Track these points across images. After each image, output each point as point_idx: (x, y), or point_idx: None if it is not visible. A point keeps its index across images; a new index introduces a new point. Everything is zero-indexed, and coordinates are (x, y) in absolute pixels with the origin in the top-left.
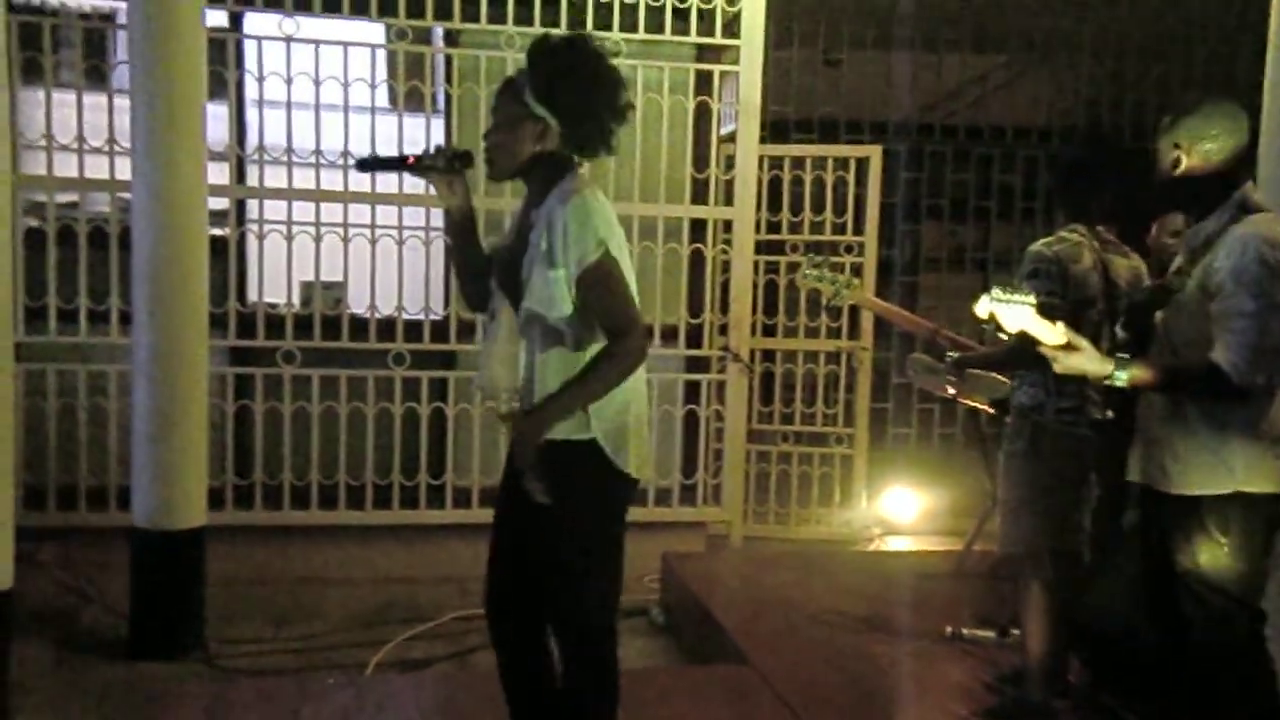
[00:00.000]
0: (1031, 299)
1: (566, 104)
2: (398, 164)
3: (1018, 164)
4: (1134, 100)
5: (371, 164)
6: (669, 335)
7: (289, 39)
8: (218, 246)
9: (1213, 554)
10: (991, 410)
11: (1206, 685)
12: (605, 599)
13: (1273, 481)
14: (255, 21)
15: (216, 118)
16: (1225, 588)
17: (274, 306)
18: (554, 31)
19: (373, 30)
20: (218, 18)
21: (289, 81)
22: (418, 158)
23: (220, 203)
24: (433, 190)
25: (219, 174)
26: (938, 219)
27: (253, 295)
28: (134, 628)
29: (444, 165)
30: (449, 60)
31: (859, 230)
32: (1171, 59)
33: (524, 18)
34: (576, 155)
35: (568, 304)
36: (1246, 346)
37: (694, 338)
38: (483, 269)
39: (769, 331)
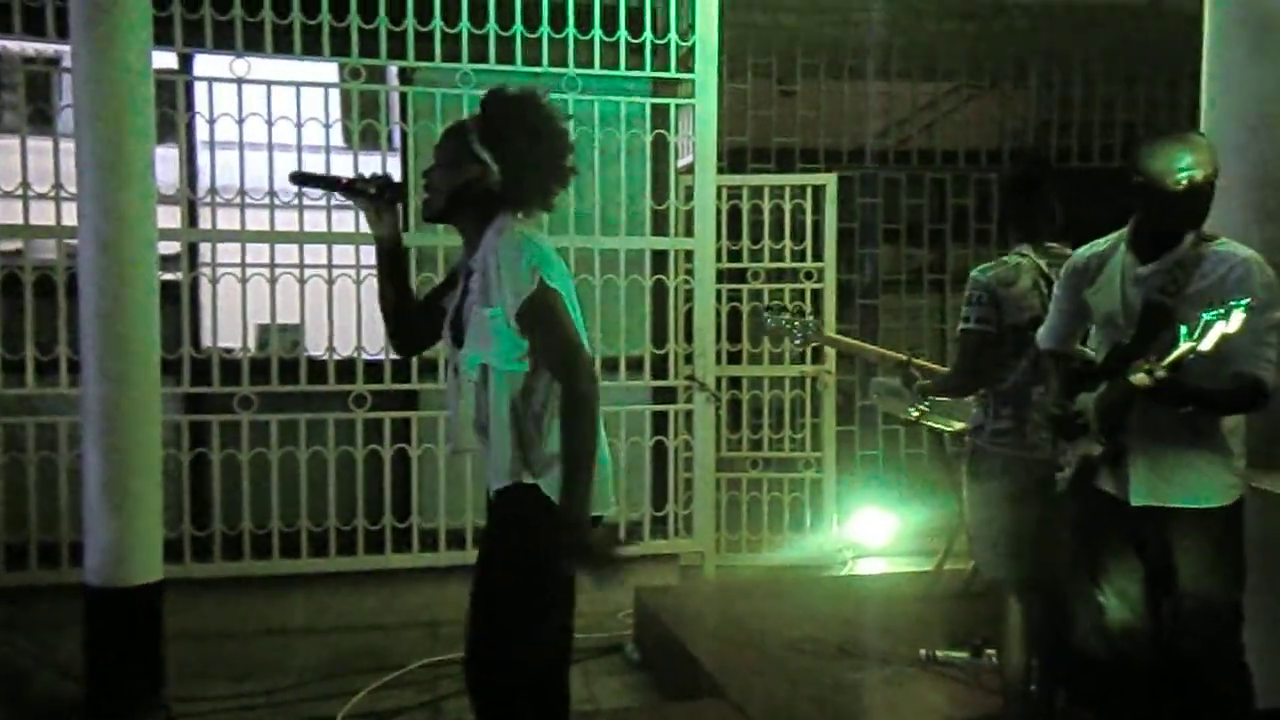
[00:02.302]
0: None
1: (510, 153)
2: (332, 183)
3: (970, 187)
4: (1081, 122)
5: (306, 179)
6: (634, 366)
7: (240, 80)
8: (170, 291)
9: (1223, 561)
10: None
11: (1196, 696)
12: (523, 659)
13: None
14: (205, 63)
15: (167, 160)
16: (1230, 595)
17: (229, 351)
18: (511, 84)
19: (326, 70)
20: (166, 59)
21: (241, 122)
22: (351, 180)
23: (172, 247)
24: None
25: (170, 217)
26: (894, 242)
27: (207, 340)
28: (90, 690)
29: (374, 192)
30: (404, 98)
31: (818, 256)
32: (1114, 83)
33: (479, 55)
34: (514, 209)
35: (506, 343)
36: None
37: (659, 368)
38: (409, 307)
39: (734, 359)
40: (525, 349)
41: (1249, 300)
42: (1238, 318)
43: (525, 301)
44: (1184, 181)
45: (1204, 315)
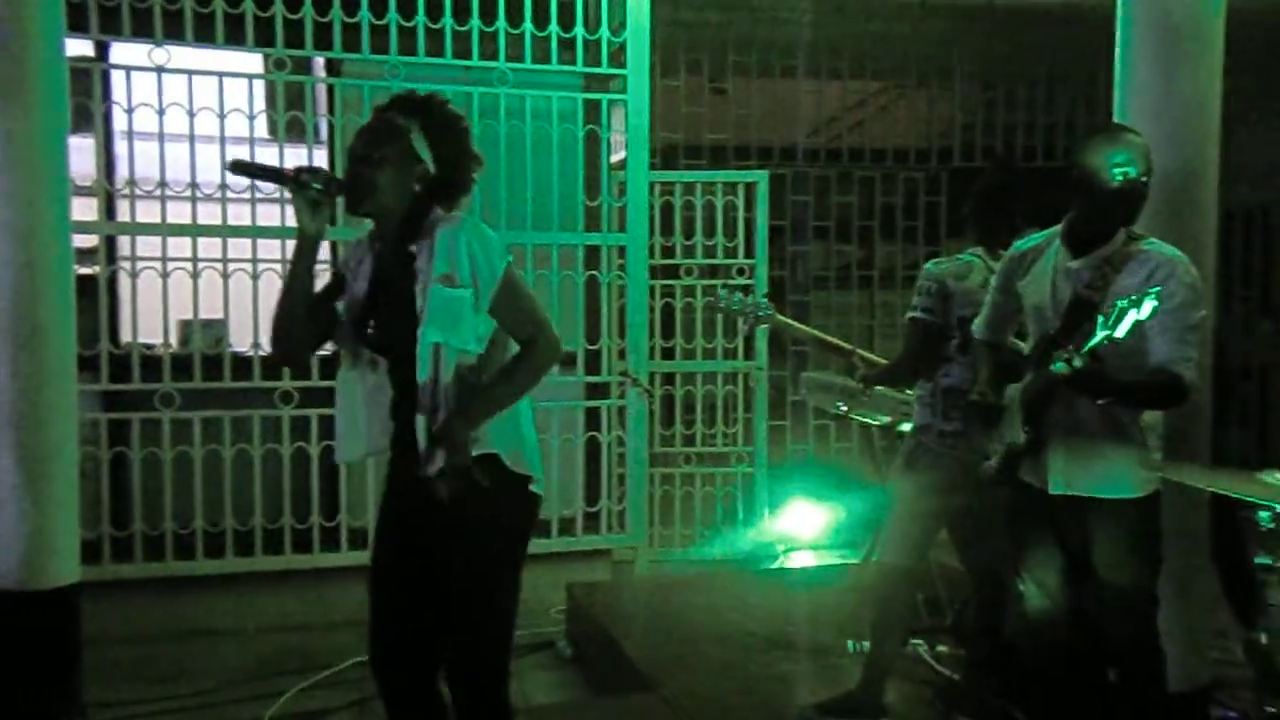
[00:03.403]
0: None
1: (447, 151)
2: (274, 174)
3: (898, 185)
4: (1005, 123)
5: (246, 168)
6: (568, 362)
7: (160, 69)
8: (87, 286)
9: (1138, 551)
10: (879, 425)
11: (1110, 680)
12: (503, 636)
13: (1159, 479)
14: (123, 51)
15: (83, 150)
16: (1146, 583)
17: (150, 347)
18: (429, 89)
19: (250, 60)
20: (81, 47)
21: (161, 113)
22: (297, 171)
23: (89, 240)
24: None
25: (86, 210)
26: (824, 239)
27: (126, 336)
28: (3, 698)
29: (322, 187)
30: (331, 90)
31: (750, 253)
32: (1036, 84)
33: (408, 47)
34: (448, 202)
35: (469, 323)
36: (1201, 360)
37: (593, 364)
38: (306, 310)
39: (667, 354)
40: (483, 331)
41: (1160, 289)
42: (1149, 305)
43: (501, 283)
44: (1119, 178)
45: (1118, 303)
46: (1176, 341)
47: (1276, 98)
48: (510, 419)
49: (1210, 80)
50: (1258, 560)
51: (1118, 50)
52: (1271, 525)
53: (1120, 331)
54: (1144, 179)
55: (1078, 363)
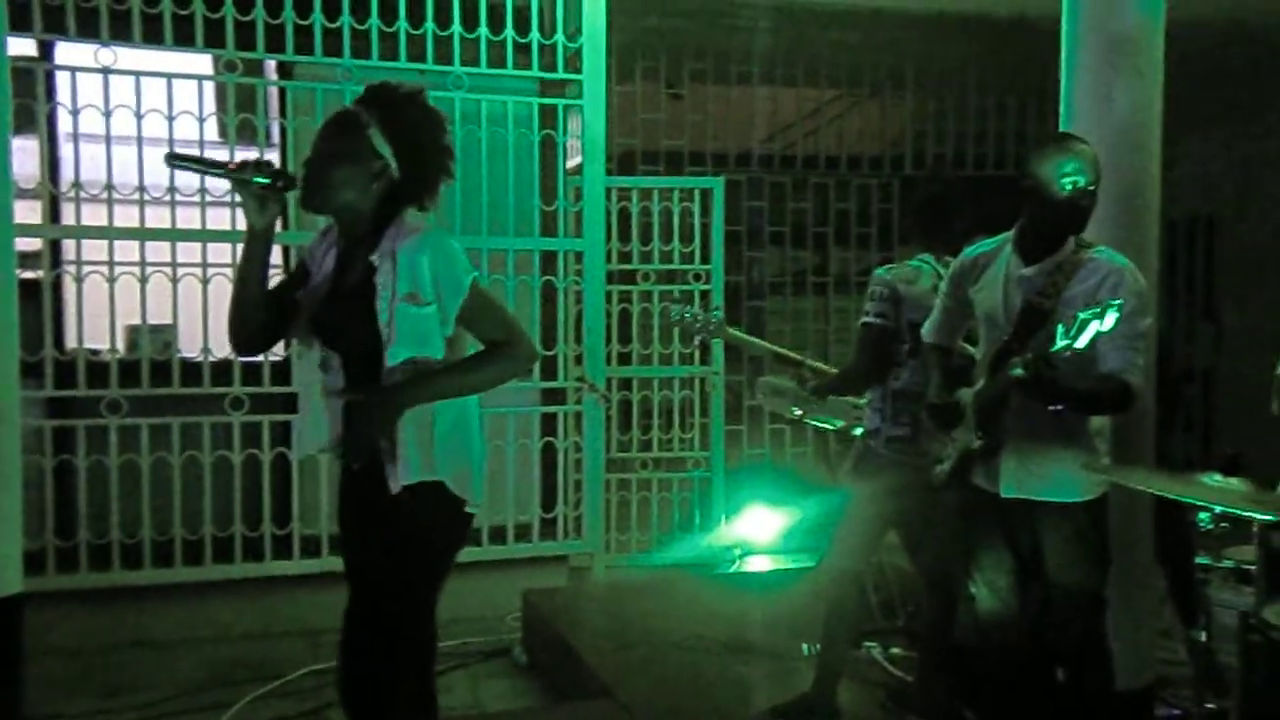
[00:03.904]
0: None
1: (410, 148)
2: (214, 167)
3: (851, 192)
4: (956, 131)
5: (184, 160)
6: None
7: (106, 70)
8: (30, 291)
9: (1085, 553)
10: (833, 430)
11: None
12: (422, 653)
13: (1107, 483)
14: (68, 51)
15: (26, 152)
16: (1094, 585)
17: (96, 353)
18: (400, 81)
19: (199, 61)
20: (24, 46)
21: (107, 115)
22: (239, 165)
23: (32, 244)
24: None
25: (30, 213)
26: (780, 245)
27: (72, 342)
28: None
29: (268, 181)
30: (283, 93)
31: (706, 258)
32: (985, 93)
33: (362, 50)
34: (413, 203)
35: (437, 339)
36: (1147, 366)
37: (549, 369)
38: (261, 304)
39: (624, 360)
40: (446, 346)
41: (1121, 301)
42: (1111, 317)
43: (469, 296)
44: (1068, 187)
45: (1080, 314)
46: (1125, 349)
47: (1220, 108)
48: (462, 439)
49: (1152, 91)
50: (1197, 560)
51: (1063, 61)
52: (1211, 526)
53: (1081, 342)
54: (1092, 188)
55: (1038, 368)
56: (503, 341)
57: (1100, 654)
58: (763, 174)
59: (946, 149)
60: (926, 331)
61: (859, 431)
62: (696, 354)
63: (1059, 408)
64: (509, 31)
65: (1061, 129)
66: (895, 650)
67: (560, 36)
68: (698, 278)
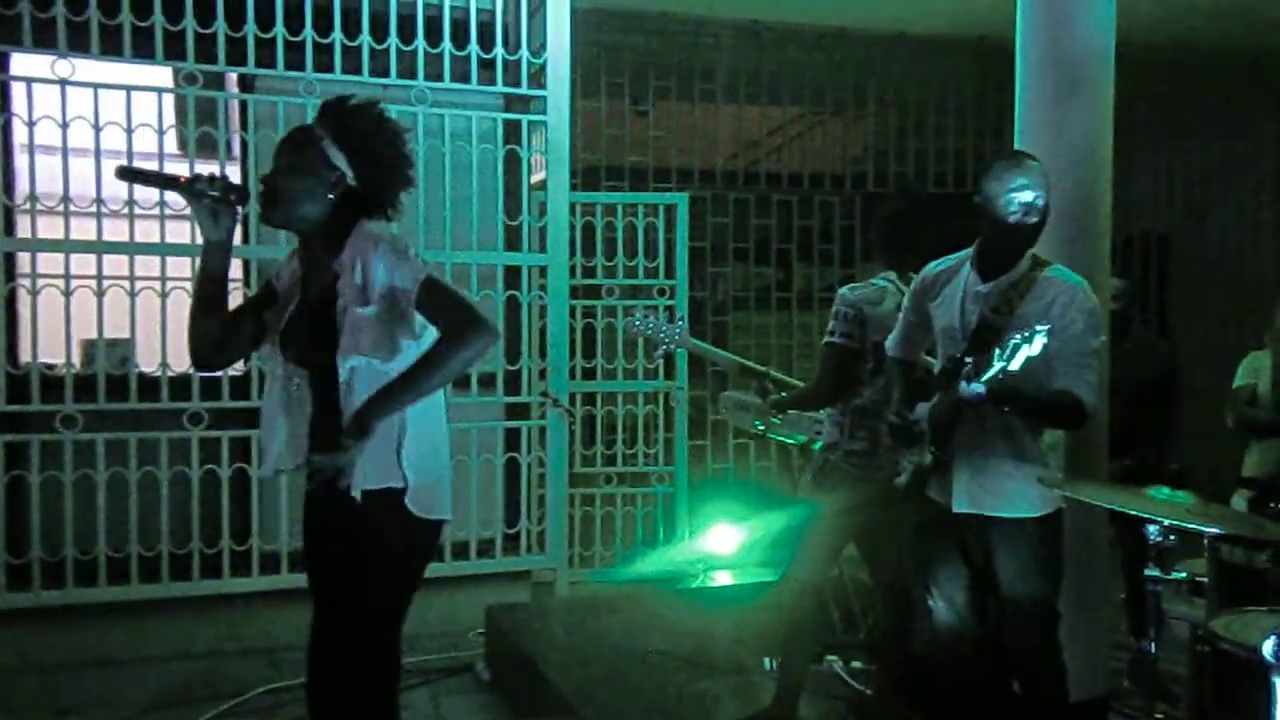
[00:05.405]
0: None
1: (366, 159)
2: (166, 181)
3: (814, 209)
4: (916, 149)
5: (135, 174)
6: (487, 383)
7: (64, 81)
8: None
9: (1039, 568)
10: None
11: (1014, 691)
12: (392, 678)
13: (1060, 498)
14: (24, 62)
15: None
16: (1047, 598)
17: (51, 367)
18: (355, 94)
19: (159, 74)
20: None
21: (65, 126)
22: (191, 179)
23: None
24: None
25: None
26: (744, 261)
27: (26, 356)
28: None
29: (220, 195)
30: (244, 106)
31: (670, 274)
32: (945, 113)
33: (324, 64)
34: (371, 215)
35: (391, 342)
36: (1099, 383)
37: (513, 385)
38: (221, 317)
39: (588, 374)
40: (400, 347)
41: (1049, 327)
42: (1039, 342)
43: (423, 284)
44: (1016, 205)
45: (1012, 339)
46: (1077, 366)
47: (1175, 127)
48: (429, 449)
49: (1103, 112)
50: (1147, 573)
51: (1017, 81)
52: (1160, 539)
53: (1015, 365)
54: (1041, 204)
55: (977, 388)
56: (461, 323)
57: (1054, 666)
58: (727, 190)
59: (908, 167)
60: (890, 344)
61: (819, 445)
62: (660, 369)
63: (1014, 410)
64: (473, 47)
65: (1016, 147)
66: (856, 664)
67: (525, 52)
68: (662, 293)
